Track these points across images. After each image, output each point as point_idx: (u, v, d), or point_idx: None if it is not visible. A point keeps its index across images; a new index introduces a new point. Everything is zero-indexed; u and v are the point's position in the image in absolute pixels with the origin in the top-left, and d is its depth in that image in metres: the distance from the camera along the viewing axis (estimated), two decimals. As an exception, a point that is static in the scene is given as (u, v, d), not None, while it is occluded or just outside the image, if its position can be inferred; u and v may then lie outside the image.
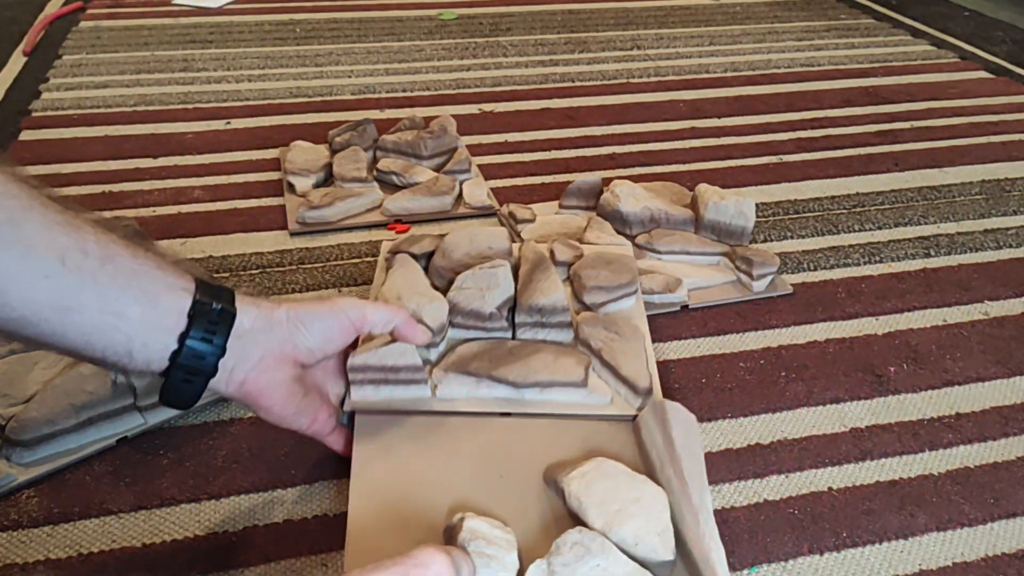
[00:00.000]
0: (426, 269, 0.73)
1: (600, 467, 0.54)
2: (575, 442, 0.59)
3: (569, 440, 0.59)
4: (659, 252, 0.83)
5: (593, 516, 0.51)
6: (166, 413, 0.63)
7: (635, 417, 0.61)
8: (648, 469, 0.57)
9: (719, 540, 0.51)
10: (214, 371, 0.47)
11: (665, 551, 0.50)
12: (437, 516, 0.53)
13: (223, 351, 0.47)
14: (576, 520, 0.52)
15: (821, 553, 0.55)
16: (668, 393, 0.68)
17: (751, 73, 1.33)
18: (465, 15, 1.55)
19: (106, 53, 1.31)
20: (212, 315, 0.46)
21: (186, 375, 0.46)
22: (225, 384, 0.49)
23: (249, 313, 0.49)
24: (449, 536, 0.50)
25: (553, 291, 0.67)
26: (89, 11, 1.50)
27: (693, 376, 0.70)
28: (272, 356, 0.50)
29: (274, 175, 0.98)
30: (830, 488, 0.60)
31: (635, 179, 0.90)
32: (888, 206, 0.96)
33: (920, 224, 0.93)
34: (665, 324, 0.76)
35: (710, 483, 0.60)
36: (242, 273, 0.81)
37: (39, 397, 0.60)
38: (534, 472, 0.57)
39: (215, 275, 0.80)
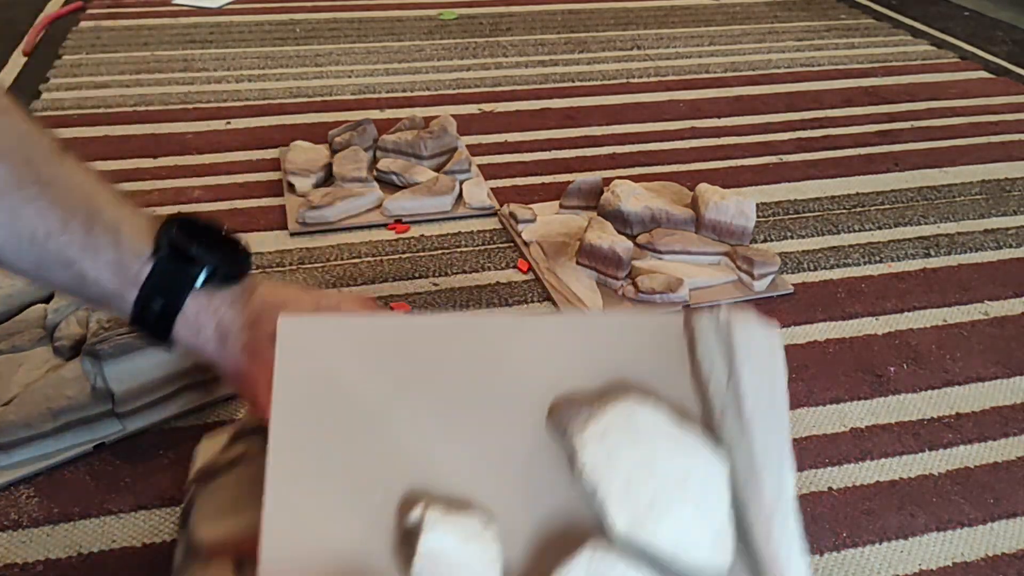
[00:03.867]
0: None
1: (629, 419, 0.36)
2: (597, 356, 0.40)
3: (589, 352, 0.40)
4: (660, 252, 0.83)
5: (614, 510, 0.35)
6: (144, 420, 0.63)
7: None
8: (704, 411, 0.39)
9: (799, 552, 0.36)
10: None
11: (721, 557, 0.35)
12: (389, 493, 0.36)
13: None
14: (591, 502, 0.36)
15: (821, 553, 0.55)
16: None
17: (751, 73, 1.33)
18: (465, 15, 1.55)
19: (106, 53, 1.31)
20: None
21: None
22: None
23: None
24: (407, 539, 0.35)
25: None
26: (89, 11, 1.50)
27: (693, 376, 0.70)
28: None
29: (274, 175, 0.98)
30: (830, 488, 0.60)
31: (635, 179, 0.90)
32: (888, 206, 0.96)
33: (920, 224, 0.93)
34: (665, 324, 0.76)
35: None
36: (242, 273, 0.81)
37: (19, 399, 0.60)
38: (537, 407, 0.38)
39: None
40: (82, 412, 0.60)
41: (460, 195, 0.93)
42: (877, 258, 0.87)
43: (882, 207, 0.96)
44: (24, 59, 1.29)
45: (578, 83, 1.27)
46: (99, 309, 0.46)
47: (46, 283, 0.45)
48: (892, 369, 0.72)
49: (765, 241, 0.89)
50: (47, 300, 0.70)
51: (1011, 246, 0.90)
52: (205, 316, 0.45)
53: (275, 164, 1.00)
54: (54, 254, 0.43)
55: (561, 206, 0.91)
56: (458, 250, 0.86)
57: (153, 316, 0.44)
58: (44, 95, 1.17)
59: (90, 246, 0.43)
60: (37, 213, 0.42)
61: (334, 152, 0.98)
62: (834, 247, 0.88)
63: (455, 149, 1.00)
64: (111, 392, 0.61)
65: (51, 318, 0.67)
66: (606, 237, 0.80)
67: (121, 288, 0.44)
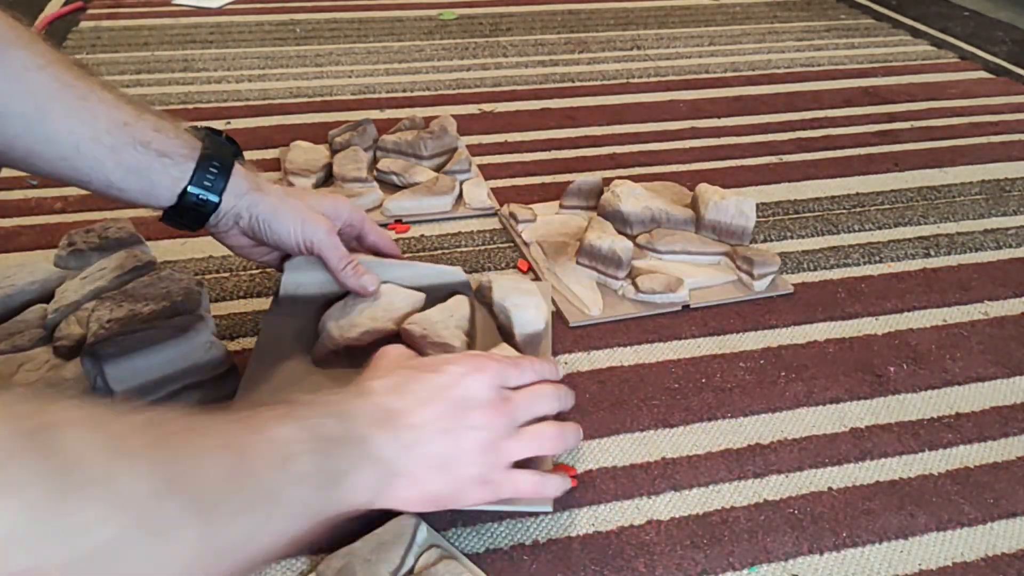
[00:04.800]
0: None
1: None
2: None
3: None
4: (660, 252, 0.83)
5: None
6: None
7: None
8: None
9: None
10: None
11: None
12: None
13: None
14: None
15: (821, 553, 0.55)
16: (668, 393, 0.68)
17: (751, 73, 1.33)
18: (465, 15, 1.55)
19: (106, 53, 1.31)
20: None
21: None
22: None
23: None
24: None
25: None
26: (89, 11, 1.50)
27: (693, 376, 0.70)
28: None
29: (274, 175, 0.98)
30: (830, 488, 0.60)
31: (635, 179, 0.90)
32: (888, 206, 0.97)
33: (920, 224, 0.93)
34: (665, 324, 0.76)
35: (711, 483, 0.60)
36: (242, 273, 0.81)
37: (16, 401, 0.60)
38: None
39: (216, 275, 0.80)
40: (81, 413, 0.60)
41: (460, 195, 0.93)
42: (877, 258, 0.87)
43: (882, 207, 0.96)
44: (24, 59, 1.29)
45: (578, 83, 1.27)
46: (140, 203, 0.56)
47: (109, 171, 0.53)
48: (892, 369, 0.72)
49: (765, 241, 0.89)
50: (47, 300, 0.70)
51: (1011, 246, 0.90)
52: (251, 176, 0.60)
53: (275, 164, 1.00)
54: (134, 137, 0.53)
55: (561, 206, 0.91)
56: (458, 250, 0.86)
57: (211, 178, 0.56)
58: (44, 95, 1.16)
59: (160, 128, 0.55)
60: (115, 103, 0.53)
61: (334, 152, 0.98)
62: (834, 247, 0.88)
63: (455, 149, 1.00)
64: (111, 392, 0.61)
65: (51, 318, 0.67)
66: (606, 237, 0.80)
67: (189, 155, 0.56)
